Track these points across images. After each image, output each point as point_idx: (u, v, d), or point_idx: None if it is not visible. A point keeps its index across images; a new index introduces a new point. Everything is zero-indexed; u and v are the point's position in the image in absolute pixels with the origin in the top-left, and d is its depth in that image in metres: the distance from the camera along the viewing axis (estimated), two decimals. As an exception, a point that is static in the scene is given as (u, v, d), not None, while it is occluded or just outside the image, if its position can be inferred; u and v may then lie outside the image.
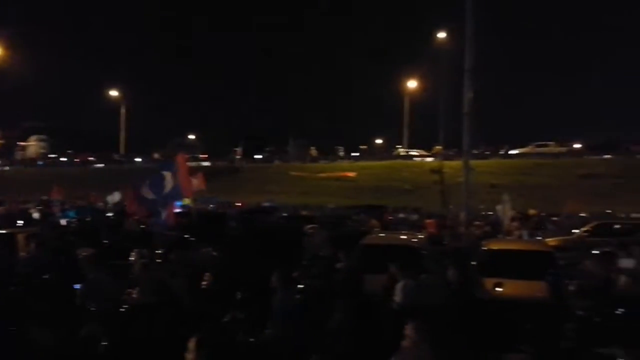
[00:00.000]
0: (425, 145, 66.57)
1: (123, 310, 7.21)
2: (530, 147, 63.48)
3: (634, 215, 28.93)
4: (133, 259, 9.18)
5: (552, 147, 62.97)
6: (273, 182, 57.33)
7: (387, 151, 73.35)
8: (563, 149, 63.19)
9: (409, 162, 64.06)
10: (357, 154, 74.95)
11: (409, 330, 4.62)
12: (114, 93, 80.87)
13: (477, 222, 21.00)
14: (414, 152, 67.92)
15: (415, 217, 28.24)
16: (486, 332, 6.35)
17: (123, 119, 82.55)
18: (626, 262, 9.93)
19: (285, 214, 26.19)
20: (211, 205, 35.13)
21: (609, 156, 60.33)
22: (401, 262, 8.42)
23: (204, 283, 8.29)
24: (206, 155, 77.83)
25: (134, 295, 7.49)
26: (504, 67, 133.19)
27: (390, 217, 27.51)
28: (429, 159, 60.69)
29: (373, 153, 74.17)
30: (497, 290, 9.47)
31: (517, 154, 63.51)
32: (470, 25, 18.46)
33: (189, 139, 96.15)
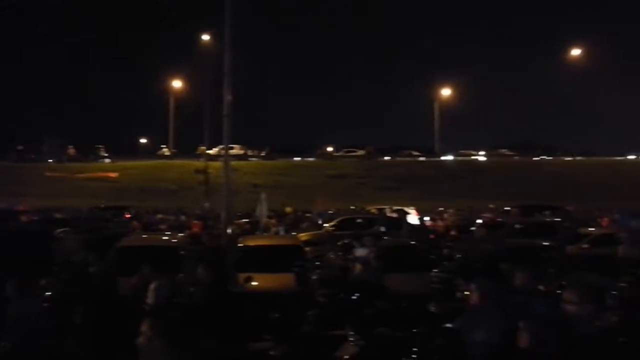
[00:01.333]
0: (191, 146, 66.16)
1: None
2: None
3: (372, 210, 32.07)
4: None
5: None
6: (24, 183, 52.10)
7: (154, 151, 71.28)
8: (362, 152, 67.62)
9: (174, 162, 63.15)
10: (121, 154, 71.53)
11: (144, 327, 4.64)
12: None
13: (238, 221, 21.51)
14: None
15: (183, 217, 27.93)
16: (233, 325, 6.59)
17: None
18: (360, 252, 11.02)
19: (35, 218, 23.91)
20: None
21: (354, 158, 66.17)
22: (159, 263, 8.34)
23: None
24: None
25: None
26: (271, 73, 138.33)
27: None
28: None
29: (137, 153, 71.56)
30: (250, 284, 9.90)
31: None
32: (228, 29, 18.77)
33: None
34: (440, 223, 25.10)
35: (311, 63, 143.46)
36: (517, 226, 20.50)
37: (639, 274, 9.67)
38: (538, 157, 69.35)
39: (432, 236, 19.76)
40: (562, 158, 69.04)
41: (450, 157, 69.55)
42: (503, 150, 72.52)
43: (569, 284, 4.31)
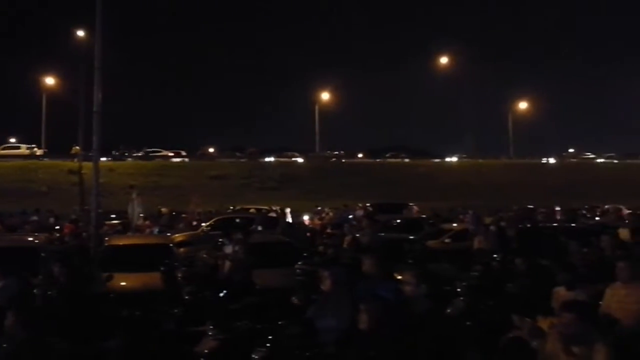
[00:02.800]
0: (65, 145, 62.59)
1: None
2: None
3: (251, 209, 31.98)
4: None
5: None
6: None
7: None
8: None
9: (45, 162, 59.42)
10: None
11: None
12: None
13: (109, 222, 20.70)
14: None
15: (52, 219, 26.28)
16: (88, 325, 6.31)
17: None
18: (229, 249, 10.90)
19: None
20: None
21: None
22: (16, 263, 7.87)
23: None
24: None
25: None
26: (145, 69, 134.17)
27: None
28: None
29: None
30: (117, 284, 9.57)
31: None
32: (99, 23, 17.96)
33: None
34: (317, 221, 25.58)
35: (193, 63, 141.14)
36: (395, 222, 21.66)
37: (490, 264, 10.29)
38: (411, 158, 72.58)
39: (308, 234, 20.13)
40: (433, 160, 72.73)
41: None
42: (390, 153, 75.04)
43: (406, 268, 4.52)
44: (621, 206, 32.06)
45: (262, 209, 32.14)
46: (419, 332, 4.08)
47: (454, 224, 20.47)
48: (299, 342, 4.86)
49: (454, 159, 72.95)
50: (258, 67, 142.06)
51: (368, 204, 31.19)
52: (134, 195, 19.59)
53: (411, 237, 15.77)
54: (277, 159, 68.17)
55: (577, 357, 4.06)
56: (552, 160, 73.50)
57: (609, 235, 10.40)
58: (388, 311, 4.23)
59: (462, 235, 16.92)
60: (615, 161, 74.62)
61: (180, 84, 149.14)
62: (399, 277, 5.12)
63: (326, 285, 5.38)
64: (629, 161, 73.96)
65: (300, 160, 68.41)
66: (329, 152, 73.31)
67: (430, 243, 16.38)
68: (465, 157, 72.79)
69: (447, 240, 17.79)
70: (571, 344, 4.12)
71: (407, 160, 71.54)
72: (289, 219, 26.25)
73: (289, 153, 71.73)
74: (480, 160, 71.23)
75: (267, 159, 68.32)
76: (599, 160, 75.62)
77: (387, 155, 73.87)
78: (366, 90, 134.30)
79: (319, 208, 32.96)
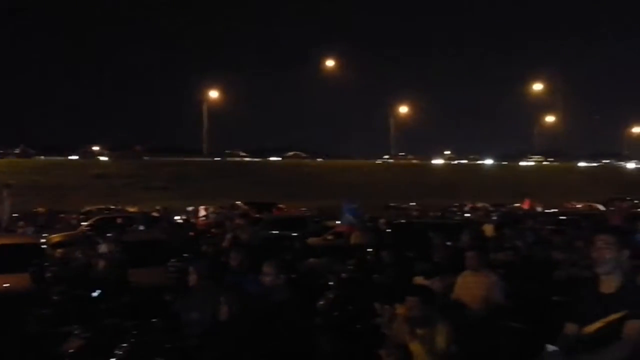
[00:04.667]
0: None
1: None
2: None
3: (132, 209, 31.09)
4: None
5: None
6: None
7: None
8: None
9: None
10: None
11: None
12: None
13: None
14: None
15: None
16: None
17: None
18: (104, 247, 10.56)
19: None
20: None
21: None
22: None
23: None
24: None
25: None
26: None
27: None
28: None
29: None
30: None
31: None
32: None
33: None
34: (201, 221, 25.26)
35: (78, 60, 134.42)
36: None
37: (364, 258, 10.69)
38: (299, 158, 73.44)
39: (192, 233, 19.85)
40: (318, 160, 74.06)
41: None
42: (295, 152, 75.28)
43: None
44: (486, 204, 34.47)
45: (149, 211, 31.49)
46: (274, 320, 4.21)
47: (338, 222, 21.04)
48: (161, 336, 4.84)
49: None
50: (147, 65, 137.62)
51: (238, 202, 31.65)
52: (5, 194, 18.37)
53: (294, 234, 16.03)
54: (168, 158, 66.59)
55: (420, 338, 4.35)
56: (435, 162, 77.24)
57: (469, 230, 11.12)
58: (246, 302, 4.33)
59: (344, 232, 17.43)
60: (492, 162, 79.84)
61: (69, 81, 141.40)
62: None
63: (192, 280, 5.40)
64: (504, 163, 79.55)
65: (188, 159, 67.26)
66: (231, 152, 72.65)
67: (313, 240, 16.73)
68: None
69: (329, 237, 18.19)
70: (415, 326, 4.41)
71: (305, 159, 72.37)
72: (176, 219, 25.80)
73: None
74: (366, 161, 73.50)
75: (156, 158, 66.47)
76: (476, 162, 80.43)
77: (290, 154, 74.40)
78: (257, 90, 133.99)
79: (192, 208, 32.71)
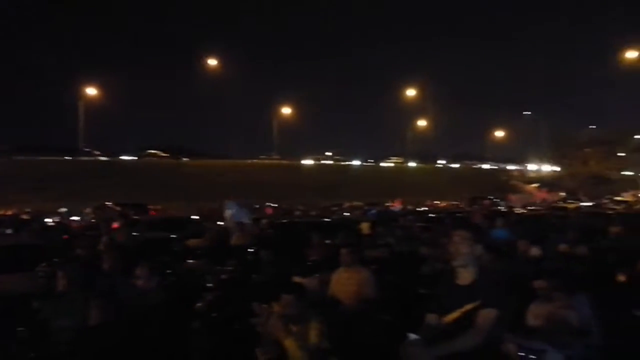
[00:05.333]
0: None
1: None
2: None
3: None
4: None
5: None
6: None
7: None
8: None
9: None
10: None
11: None
12: None
13: None
14: None
15: None
16: None
17: None
18: None
19: None
20: None
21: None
22: None
23: None
24: None
25: None
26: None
27: None
28: None
29: None
30: None
31: None
32: None
33: None
34: (76, 223, 23.96)
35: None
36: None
37: (245, 258, 10.66)
38: (181, 158, 71.77)
39: (65, 236, 18.76)
40: (203, 160, 72.73)
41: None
42: (153, 151, 73.04)
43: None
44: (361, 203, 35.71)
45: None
46: (148, 323, 4.10)
47: (220, 223, 20.77)
48: (26, 345, 4.54)
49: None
50: (21, 63, 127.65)
51: (108, 203, 30.66)
52: None
53: (173, 235, 15.61)
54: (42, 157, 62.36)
55: (294, 335, 4.42)
56: (310, 162, 78.39)
57: (344, 228, 11.47)
58: (118, 306, 4.18)
59: (224, 233, 17.24)
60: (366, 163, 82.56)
61: None
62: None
63: (61, 284, 5.10)
64: (380, 164, 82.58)
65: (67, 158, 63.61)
66: (90, 150, 69.17)
67: (193, 242, 16.38)
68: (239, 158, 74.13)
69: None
70: (290, 323, 4.48)
71: (185, 159, 70.64)
72: (47, 221, 24.32)
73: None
74: (249, 161, 73.28)
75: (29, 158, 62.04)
76: (352, 163, 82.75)
77: (147, 154, 72.14)
78: (138, 89, 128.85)
79: (65, 210, 31.14)
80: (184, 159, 72.13)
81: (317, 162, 78.74)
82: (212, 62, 56.93)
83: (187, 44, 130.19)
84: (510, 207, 34.79)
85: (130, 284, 4.72)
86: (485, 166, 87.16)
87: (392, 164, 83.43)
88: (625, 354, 6.17)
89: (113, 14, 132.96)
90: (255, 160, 75.74)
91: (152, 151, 73.17)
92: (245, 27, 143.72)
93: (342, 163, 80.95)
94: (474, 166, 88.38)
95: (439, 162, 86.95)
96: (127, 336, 4.07)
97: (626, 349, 6.24)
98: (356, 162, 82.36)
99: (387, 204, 38.46)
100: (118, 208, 28.13)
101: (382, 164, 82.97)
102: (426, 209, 32.25)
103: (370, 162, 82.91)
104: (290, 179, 60.84)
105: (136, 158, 69.98)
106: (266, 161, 76.15)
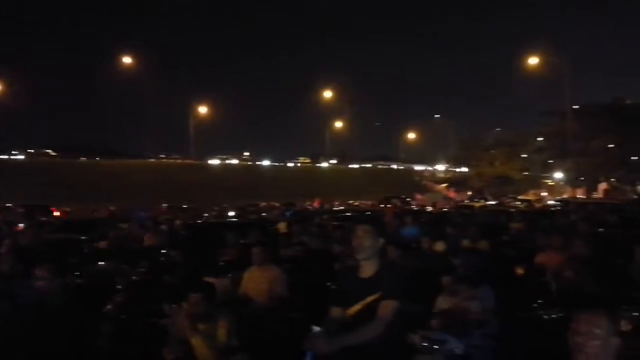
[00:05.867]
0: None
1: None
2: None
3: None
4: None
5: None
6: None
7: None
8: None
9: None
10: None
11: None
12: None
13: None
14: None
15: None
16: None
17: None
18: None
19: None
20: None
21: None
22: None
23: None
24: None
25: None
26: None
27: None
28: None
29: None
30: None
31: None
32: None
33: None
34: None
35: None
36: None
37: (158, 259, 10.42)
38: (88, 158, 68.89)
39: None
40: (118, 160, 70.13)
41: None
42: (48, 150, 69.68)
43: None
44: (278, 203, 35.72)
45: None
46: (48, 326, 3.93)
47: (130, 223, 20.19)
48: None
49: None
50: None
51: (9, 205, 29.22)
52: None
53: (83, 237, 15.04)
54: None
55: (202, 334, 4.38)
56: (234, 161, 77.27)
57: (257, 228, 11.46)
58: (16, 308, 3.98)
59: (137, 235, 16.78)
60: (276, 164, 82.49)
61: None
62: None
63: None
64: (288, 165, 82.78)
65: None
66: None
67: (104, 244, 15.87)
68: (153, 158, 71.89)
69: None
70: (197, 321, 4.43)
71: (97, 159, 67.74)
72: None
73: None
74: (164, 161, 71.43)
75: None
76: (262, 163, 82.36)
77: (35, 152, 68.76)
78: (48, 87, 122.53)
79: None
80: (97, 158, 69.20)
81: (223, 163, 77.32)
82: (127, 60, 54.59)
83: (104, 43, 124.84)
84: (423, 206, 35.98)
85: (30, 285, 4.50)
86: (400, 167, 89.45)
87: (299, 164, 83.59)
88: (520, 342, 6.56)
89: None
90: (171, 160, 73.93)
91: (47, 150, 69.72)
92: (165, 27, 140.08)
93: (249, 163, 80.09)
94: (389, 167, 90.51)
95: (355, 162, 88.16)
96: (26, 339, 3.88)
97: (521, 338, 6.63)
98: (266, 163, 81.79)
99: (306, 204, 38.72)
100: (21, 210, 26.74)
101: (289, 164, 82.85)
102: (342, 208, 32.68)
103: (280, 163, 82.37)
104: (203, 180, 59.82)
105: (23, 157, 66.16)
106: (178, 161, 74.45)
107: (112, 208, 31.20)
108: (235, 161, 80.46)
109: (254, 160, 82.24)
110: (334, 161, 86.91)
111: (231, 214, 28.71)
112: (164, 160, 72.74)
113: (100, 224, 21.26)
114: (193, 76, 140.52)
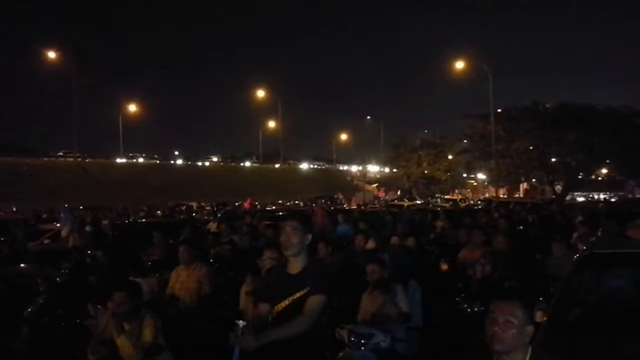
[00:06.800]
0: None
1: None
2: None
3: None
4: None
5: None
6: None
7: None
8: None
9: None
10: None
11: None
12: None
13: None
14: None
15: None
16: None
17: None
18: None
19: None
20: None
21: None
22: None
23: None
24: None
25: None
26: None
27: None
28: None
29: None
30: None
31: None
32: None
33: None
34: None
35: None
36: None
37: (83, 260, 10.11)
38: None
39: None
40: (42, 159, 66.89)
41: None
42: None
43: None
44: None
45: None
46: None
47: (57, 224, 19.36)
48: None
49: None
50: None
51: None
52: None
53: (2, 238, 14.36)
54: None
55: (126, 333, 4.26)
56: (119, 161, 74.37)
57: (187, 227, 11.31)
58: None
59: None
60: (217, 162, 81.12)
61: None
62: None
63: None
64: (232, 164, 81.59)
65: None
66: None
67: (29, 245, 15.23)
68: (71, 156, 68.58)
69: (46, 241, 16.70)
70: (122, 321, 4.31)
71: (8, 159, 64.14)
72: None
73: None
74: (89, 160, 68.78)
75: None
76: (199, 163, 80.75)
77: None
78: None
79: None
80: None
81: (130, 161, 74.86)
82: (52, 54, 51.90)
83: (28, 38, 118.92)
84: (358, 205, 36.56)
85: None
86: (332, 167, 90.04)
87: (207, 164, 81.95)
88: (441, 334, 6.78)
89: None
90: (100, 160, 71.15)
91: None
92: (100, 23, 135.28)
93: (159, 162, 77.82)
94: (322, 167, 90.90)
95: (289, 162, 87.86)
96: None
97: (443, 330, 6.86)
98: (179, 162, 79.75)
99: (237, 204, 38.35)
100: None
101: (198, 163, 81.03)
102: (273, 207, 32.60)
103: (189, 162, 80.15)
104: (138, 179, 58.21)
105: None
106: (111, 160, 71.81)
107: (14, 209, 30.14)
108: (141, 160, 77.45)
109: (167, 160, 79.48)
110: (256, 162, 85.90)
111: (159, 213, 27.97)
112: (89, 160, 69.65)
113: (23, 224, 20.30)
114: (125, 75, 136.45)
